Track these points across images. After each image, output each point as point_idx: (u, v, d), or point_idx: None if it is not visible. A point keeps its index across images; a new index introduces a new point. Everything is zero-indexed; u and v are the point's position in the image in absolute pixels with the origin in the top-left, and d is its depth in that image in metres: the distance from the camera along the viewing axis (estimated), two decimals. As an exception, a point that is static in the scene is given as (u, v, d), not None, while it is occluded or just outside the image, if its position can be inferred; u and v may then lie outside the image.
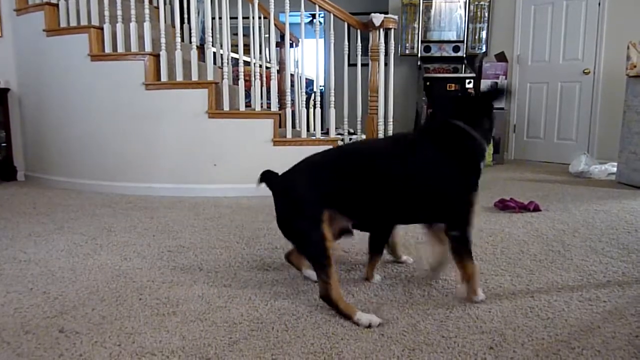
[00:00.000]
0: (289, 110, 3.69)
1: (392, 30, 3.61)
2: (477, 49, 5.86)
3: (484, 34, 5.84)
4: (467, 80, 5.47)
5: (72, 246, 2.32)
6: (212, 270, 1.99)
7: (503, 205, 3.07)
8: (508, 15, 5.81)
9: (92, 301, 1.68)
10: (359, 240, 2.42)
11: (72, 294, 1.74)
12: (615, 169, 4.30)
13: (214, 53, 3.94)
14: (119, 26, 3.58)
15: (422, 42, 5.88)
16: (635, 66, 3.92)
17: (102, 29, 3.64)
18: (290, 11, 3.53)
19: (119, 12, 3.55)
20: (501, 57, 5.53)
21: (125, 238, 2.46)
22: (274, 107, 3.63)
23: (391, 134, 3.68)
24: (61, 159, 3.91)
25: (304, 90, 3.92)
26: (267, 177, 1.77)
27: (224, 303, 1.66)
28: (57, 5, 3.79)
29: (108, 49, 3.63)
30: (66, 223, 2.75)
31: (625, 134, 4.08)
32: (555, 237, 2.48)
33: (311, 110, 3.78)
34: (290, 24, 3.63)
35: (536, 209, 3.03)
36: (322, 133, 3.78)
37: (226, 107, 3.54)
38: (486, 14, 5.81)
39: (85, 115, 3.73)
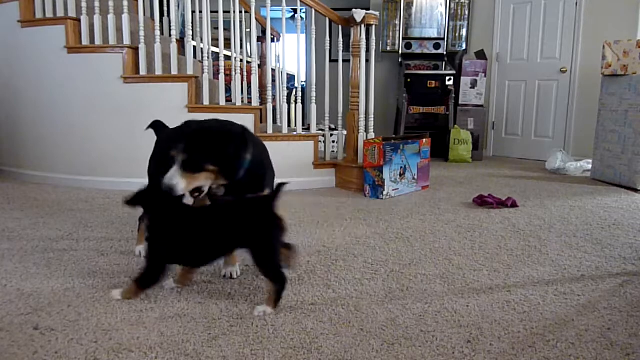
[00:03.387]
0: (270, 106, 3.68)
1: (374, 26, 3.62)
2: (457, 46, 5.91)
3: (464, 32, 5.89)
4: (448, 77, 5.52)
5: (48, 242, 2.27)
6: (191, 266, 1.98)
7: (481, 201, 3.11)
8: (488, 14, 5.88)
9: (68, 298, 1.65)
10: (340, 235, 2.43)
11: (47, 290, 1.71)
12: (590, 166, 4.39)
13: (194, 47, 3.90)
14: (97, 18, 3.51)
15: (403, 39, 5.90)
16: (610, 65, 4.00)
17: (79, 20, 3.56)
18: (271, 6, 3.51)
19: (97, 4, 3.48)
20: (481, 54, 5.59)
21: (103, 234, 2.43)
22: (255, 102, 3.60)
23: None
24: (36, 153, 3.83)
25: (285, 85, 3.89)
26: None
27: (203, 299, 1.65)
28: (32, -5, 3.70)
29: (85, 41, 3.56)
30: (41, 218, 2.70)
31: (600, 132, 4.17)
32: (532, 232, 2.52)
33: (292, 105, 3.77)
34: (271, 18, 3.61)
35: (514, 205, 3.08)
36: (303, 129, 3.78)
37: (206, 102, 3.51)
38: (466, 12, 5.86)
39: (61, 108, 3.65)
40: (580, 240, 2.40)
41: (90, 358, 1.28)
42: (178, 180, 1.53)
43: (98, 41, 3.54)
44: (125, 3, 3.46)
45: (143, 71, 3.49)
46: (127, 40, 3.50)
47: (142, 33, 3.46)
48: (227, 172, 1.62)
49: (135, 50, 3.51)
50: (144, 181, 3.55)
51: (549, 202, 3.27)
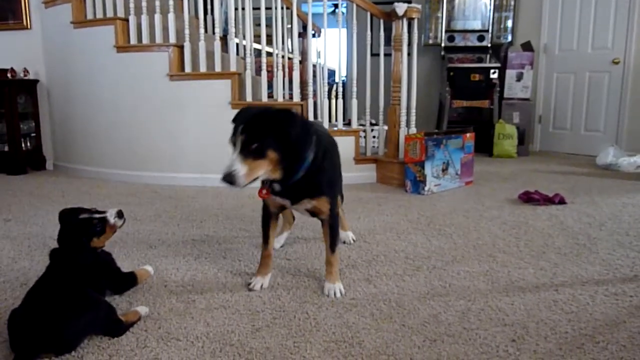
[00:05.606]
0: (310, 101, 3.69)
1: (416, 19, 3.57)
2: (502, 38, 5.74)
3: (509, 23, 5.72)
4: (492, 70, 5.38)
5: (100, 234, 2.37)
6: (235, 258, 2.02)
7: (527, 198, 3.03)
8: (535, 4, 5.67)
9: (119, 287, 1.72)
10: (383, 226, 2.43)
11: (100, 280, 1.79)
12: (644, 162, 4.19)
13: (237, 44, 3.96)
14: (144, 17, 3.61)
15: (445, 31, 5.78)
16: (667, 55, 3.79)
17: (127, 20, 3.68)
18: (312, 1, 3.52)
19: (144, 4, 3.59)
20: (527, 46, 5.41)
21: (151, 227, 2.51)
22: (296, 97, 3.63)
23: None
24: (88, 148, 4.00)
25: (326, 80, 3.90)
26: None
27: (247, 291, 1.69)
28: (84, -3, 3.85)
29: (133, 41, 3.68)
30: (93, 211, 2.82)
31: (656, 126, 3.97)
32: (581, 230, 2.44)
33: (333, 100, 3.78)
34: (312, 14, 3.62)
35: (561, 201, 2.98)
36: (344, 124, 3.78)
37: (249, 98, 3.56)
38: (512, 3, 5.68)
39: (111, 105, 3.80)
40: (634, 239, 2.29)
41: (140, 345, 1.34)
42: (238, 167, 1.31)
43: (145, 40, 3.65)
44: (171, 2, 3.55)
45: (188, 68, 3.58)
46: (172, 39, 3.60)
47: (187, 31, 3.55)
48: (287, 163, 1.43)
49: (181, 48, 3.60)
50: (189, 176, 3.65)
51: (600, 199, 3.15)
